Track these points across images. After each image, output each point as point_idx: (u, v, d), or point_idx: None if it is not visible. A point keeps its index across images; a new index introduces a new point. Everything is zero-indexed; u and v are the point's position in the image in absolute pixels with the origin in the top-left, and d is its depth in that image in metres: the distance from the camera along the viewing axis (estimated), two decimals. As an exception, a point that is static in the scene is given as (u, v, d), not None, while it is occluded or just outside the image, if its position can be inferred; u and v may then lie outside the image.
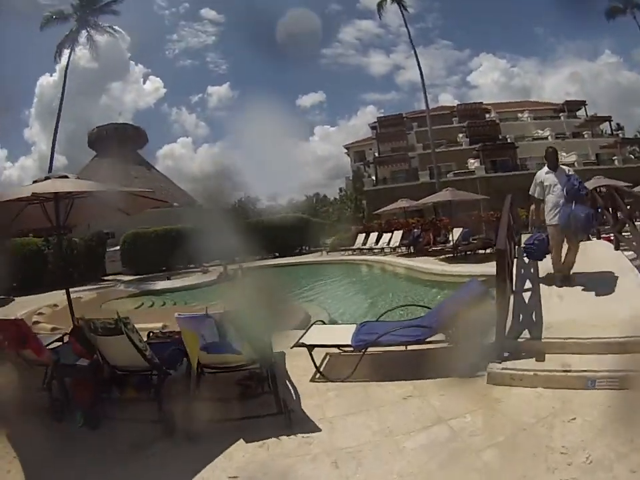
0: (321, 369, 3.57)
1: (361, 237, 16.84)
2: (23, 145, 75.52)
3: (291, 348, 3.58)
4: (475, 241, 12.47)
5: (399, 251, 14.68)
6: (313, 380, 3.46)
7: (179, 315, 2.76)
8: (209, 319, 2.62)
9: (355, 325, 3.92)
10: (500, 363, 3.07)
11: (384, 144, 32.00)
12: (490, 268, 9.08)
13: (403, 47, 68.58)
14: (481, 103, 34.95)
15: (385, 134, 32.23)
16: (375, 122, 33.99)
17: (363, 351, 3.40)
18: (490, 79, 60.17)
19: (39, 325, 7.64)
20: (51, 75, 57.95)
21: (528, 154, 28.40)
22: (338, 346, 3.67)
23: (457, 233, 12.33)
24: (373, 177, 30.79)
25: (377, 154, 31.54)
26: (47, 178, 3.76)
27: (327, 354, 3.87)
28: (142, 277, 16.47)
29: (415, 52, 26.56)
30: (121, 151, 30.14)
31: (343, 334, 3.69)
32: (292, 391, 3.25)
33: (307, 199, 47.96)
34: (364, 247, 16.06)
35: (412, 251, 14.11)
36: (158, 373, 2.89)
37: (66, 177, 3.83)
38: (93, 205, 4.26)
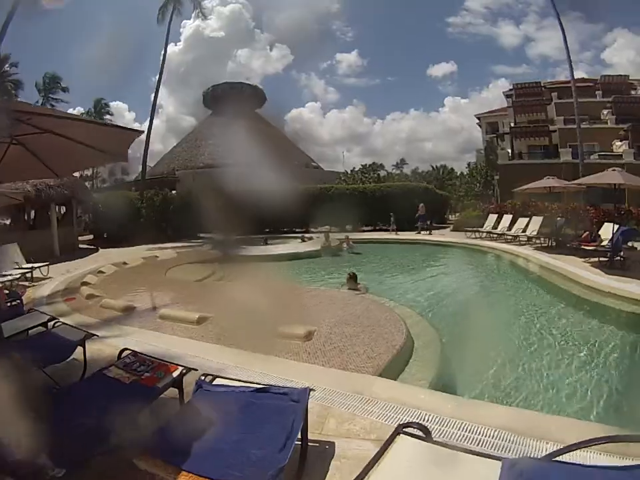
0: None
1: (492, 218, 14.40)
2: (151, 107, 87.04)
3: None
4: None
5: (537, 242, 12.04)
6: None
7: None
8: None
9: (498, 462, 1.38)
10: None
11: (520, 115, 28.78)
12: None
13: (533, 17, 62.85)
14: (627, 76, 29.11)
15: (522, 103, 28.72)
16: (510, 89, 30.96)
17: None
18: (625, 57, 51.89)
19: (82, 288, 6.93)
20: (176, 44, 62.18)
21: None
22: None
23: (606, 229, 9.08)
24: (508, 150, 27.45)
25: (512, 124, 28.26)
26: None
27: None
28: (238, 238, 15.51)
29: (559, 19, 21.13)
30: (236, 109, 29.72)
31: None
32: None
33: (433, 170, 44.96)
34: (494, 230, 13.69)
35: (552, 244, 11.39)
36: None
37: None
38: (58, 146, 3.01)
